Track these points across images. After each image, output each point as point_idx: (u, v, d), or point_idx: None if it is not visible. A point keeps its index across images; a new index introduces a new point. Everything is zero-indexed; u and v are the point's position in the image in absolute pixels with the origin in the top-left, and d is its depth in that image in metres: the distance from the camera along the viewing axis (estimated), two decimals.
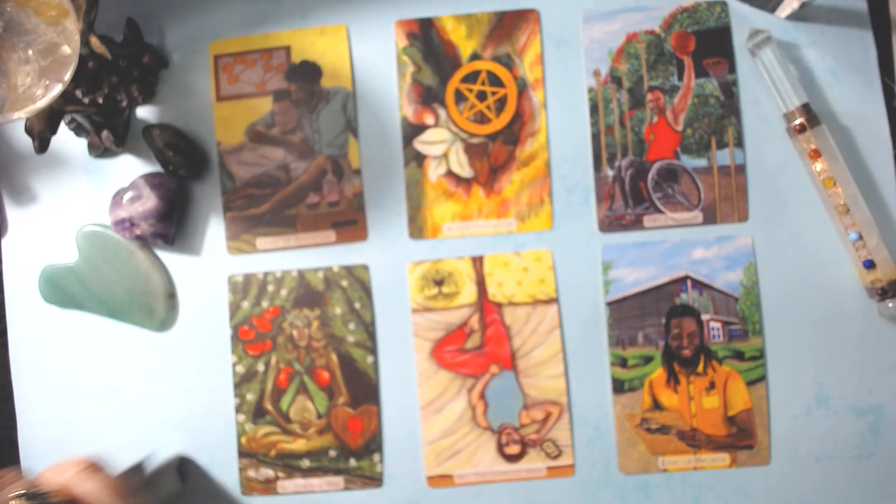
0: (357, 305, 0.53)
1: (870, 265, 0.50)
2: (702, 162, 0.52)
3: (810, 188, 0.52)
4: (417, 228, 0.53)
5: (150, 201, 0.51)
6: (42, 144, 0.47)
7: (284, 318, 0.53)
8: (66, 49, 0.43)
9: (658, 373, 0.52)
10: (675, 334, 0.52)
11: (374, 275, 0.53)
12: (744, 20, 0.53)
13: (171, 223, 0.52)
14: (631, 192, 0.53)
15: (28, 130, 0.47)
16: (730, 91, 0.53)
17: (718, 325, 0.52)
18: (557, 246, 0.53)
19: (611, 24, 0.53)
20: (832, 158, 0.50)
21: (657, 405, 0.52)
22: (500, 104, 0.53)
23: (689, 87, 0.53)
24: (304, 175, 0.54)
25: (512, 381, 0.52)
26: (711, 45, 0.53)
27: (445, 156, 0.53)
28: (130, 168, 0.54)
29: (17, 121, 0.53)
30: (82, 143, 0.54)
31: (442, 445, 0.52)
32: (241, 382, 0.53)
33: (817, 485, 0.51)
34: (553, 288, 0.52)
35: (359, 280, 0.53)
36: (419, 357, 0.53)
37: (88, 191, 0.55)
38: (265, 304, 0.53)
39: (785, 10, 0.52)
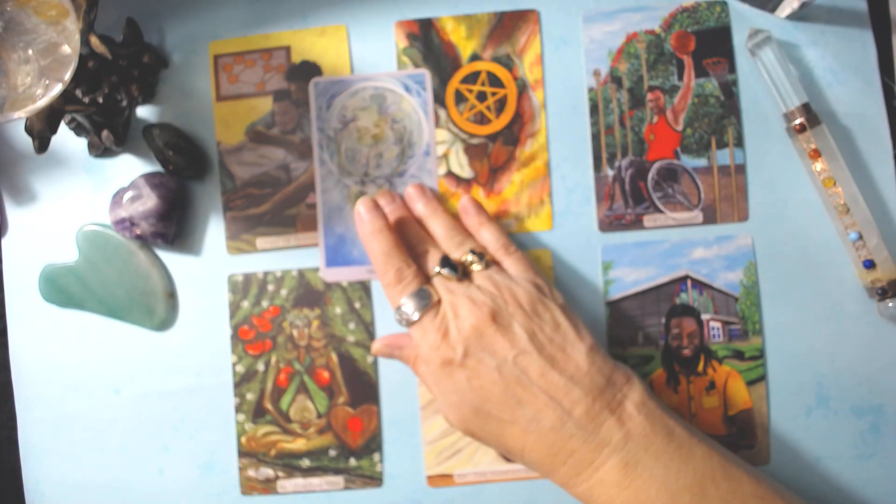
0: (357, 305, 0.53)
1: (870, 265, 0.50)
2: (702, 162, 0.52)
3: (810, 188, 0.52)
4: None
5: (150, 201, 0.51)
6: (42, 144, 0.47)
7: (284, 317, 0.53)
8: (66, 49, 0.43)
9: (658, 372, 0.52)
10: (675, 334, 0.52)
11: None
12: (744, 20, 0.53)
13: (171, 223, 0.52)
14: (631, 192, 0.53)
15: (28, 130, 0.47)
16: (730, 91, 0.53)
17: (718, 324, 0.52)
18: (557, 246, 0.53)
19: (611, 24, 0.53)
20: (832, 158, 0.50)
21: None
22: (500, 105, 0.53)
23: (689, 86, 0.53)
24: (304, 175, 0.54)
25: None
26: (711, 44, 0.53)
27: (445, 156, 0.53)
28: (130, 168, 0.55)
29: (17, 121, 0.53)
30: (82, 142, 0.54)
31: (442, 445, 0.52)
32: (241, 382, 0.53)
33: (817, 485, 0.51)
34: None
35: (359, 279, 0.53)
36: None
37: (88, 191, 0.55)
38: (265, 303, 0.53)
39: (785, 10, 0.52)
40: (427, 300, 0.46)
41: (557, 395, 0.43)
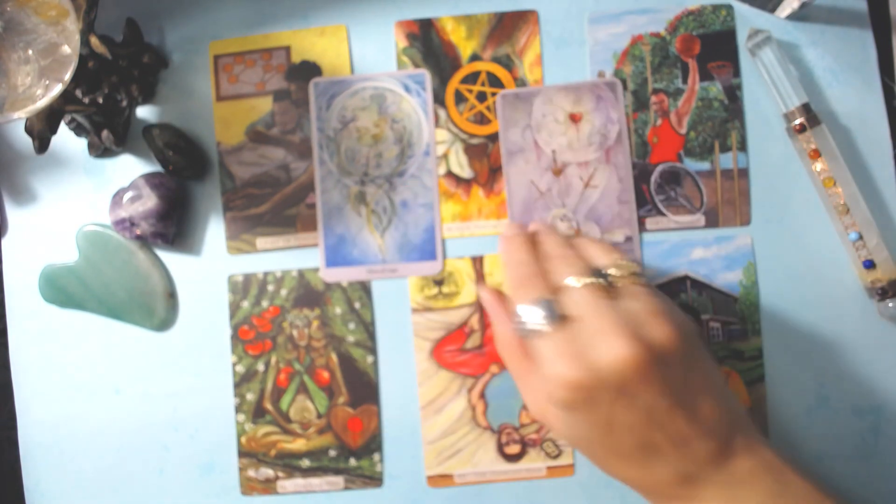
0: (357, 305, 0.53)
1: (870, 265, 0.50)
2: (705, 165, 0.52)
3: (810, 188, 0.52)
4: None
5: (150, 201, 0.51)
6: (42, 144, 0.47)
7: (284, 317, 0.53)
8: (66, 49, 0.43)
9: None
10: None
11: None
12: (749, 24, 0.53)
13: (171, 223, 0.52)
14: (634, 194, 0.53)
15: (28, 130, 0.47)
16: (734, 94, 0.53)
17: (718, 324, 0.52)
18: None
19: (616, 26, 0.53)
20: (832, 158, 0.50)
21: None
22: None
23: (694, 90, 0.53)
24: (304, 175, 0.54)
25: (512, 381, 0.52)
26: (716, 48, 0.53)
27: (445, 156, 0.53)
28: (130, 168, 0.54)
29: (17, 121, 0.53)
30: (82, 143, 0.54)
31: (442, 445, 0.52)
32: (241, 382, 0.53)
33: None
34: None
35: (359, 279, 0.53)
36: (419, 357, 0.53)
37: (88, 191, 0.55)
38: (265, 303, 0.53)
39: (785, 10, 0.52)
40: (563, 313, 0.41)
41: (690, 444, 0.39)
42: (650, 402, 0.38)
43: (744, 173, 0.52)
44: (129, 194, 0.52)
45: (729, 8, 0.53)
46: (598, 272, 0.42)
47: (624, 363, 0.38)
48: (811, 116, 0.50)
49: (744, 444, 0.40)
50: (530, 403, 0.45)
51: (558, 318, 0.40)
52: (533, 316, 0.41)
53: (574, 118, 0.53)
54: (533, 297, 0.42)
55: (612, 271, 0.42)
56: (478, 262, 0.53)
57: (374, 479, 0.52)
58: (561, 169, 0.53)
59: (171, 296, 0.54)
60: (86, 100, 0.50)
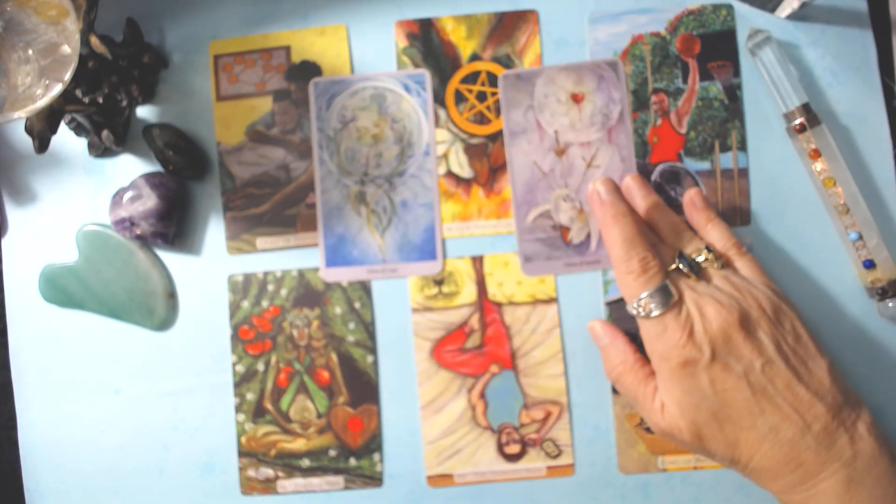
0: (357, 305, 0.53)
1: (870, 265, 0.50)
2: (705, 165, 0.52)
3: (810, 188, 0.52)
4: None
5: (150, 201, 0.51)
6: (42, 144, 0.47)
7: (284, 317, 0.53)
8: (66, 49, 0.43)
9: None
10: None
11: None
12: (749, 24, 0.53)
13: (171, 223, 0.52)
14: None
15: (28, 130, 0.47)
16: (734, 94, 0.53)
17: None
18: None
19: (616, 25, 0.53)
20: (832, 158, 0.50)
21: None
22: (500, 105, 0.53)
23: (694, 90, 0.53)
24: (304, 175, 0.54)
25: (512, 381, 0.52)
26: (716, 48, 0.53)
27: (445, 156, 0.53)
28: (130, 168, 0.54)
29: (17, 121, 0.53)
30: (82, 143, 0.54)
31: (442, 445, 0.52)
32: (241, 382, 0.53)
33: None
34: (553, 287, 0.52)
35: (359, 279, 0.53)
36: (419, 357, 0.53)
37: (88, 191, 0.55)
38: (265, 303, 0.53)
39: (785, 10, 0.52)
40: (671, 296, 0.44)
41: (801, 409, 0.42)
42: (752, 358, 0.43)
43: (744, 173, 0.52)
44: (129, 194, 0.52)
45: (729, 8, 0.53)
46: (696, 256, 0.47)
47: (726, 322, 0.43)
48: (811, 116, 0.50)
49: (856, 421, 0.43)
50: (653, 415, 0.46)
51: (675, 301, 0.44)
52: (653, 302, 0.44)
53: (576, 98, 0.53)
54: (655, 283, 0.45)
55: (702, 257, 0.47)
56: (478, 261, 0.53)
57: (374, 479, 0.52)
58: (563, 149, 0.53)
59: (171, 296, 0.54)
60: (86, 100, 0.50)
